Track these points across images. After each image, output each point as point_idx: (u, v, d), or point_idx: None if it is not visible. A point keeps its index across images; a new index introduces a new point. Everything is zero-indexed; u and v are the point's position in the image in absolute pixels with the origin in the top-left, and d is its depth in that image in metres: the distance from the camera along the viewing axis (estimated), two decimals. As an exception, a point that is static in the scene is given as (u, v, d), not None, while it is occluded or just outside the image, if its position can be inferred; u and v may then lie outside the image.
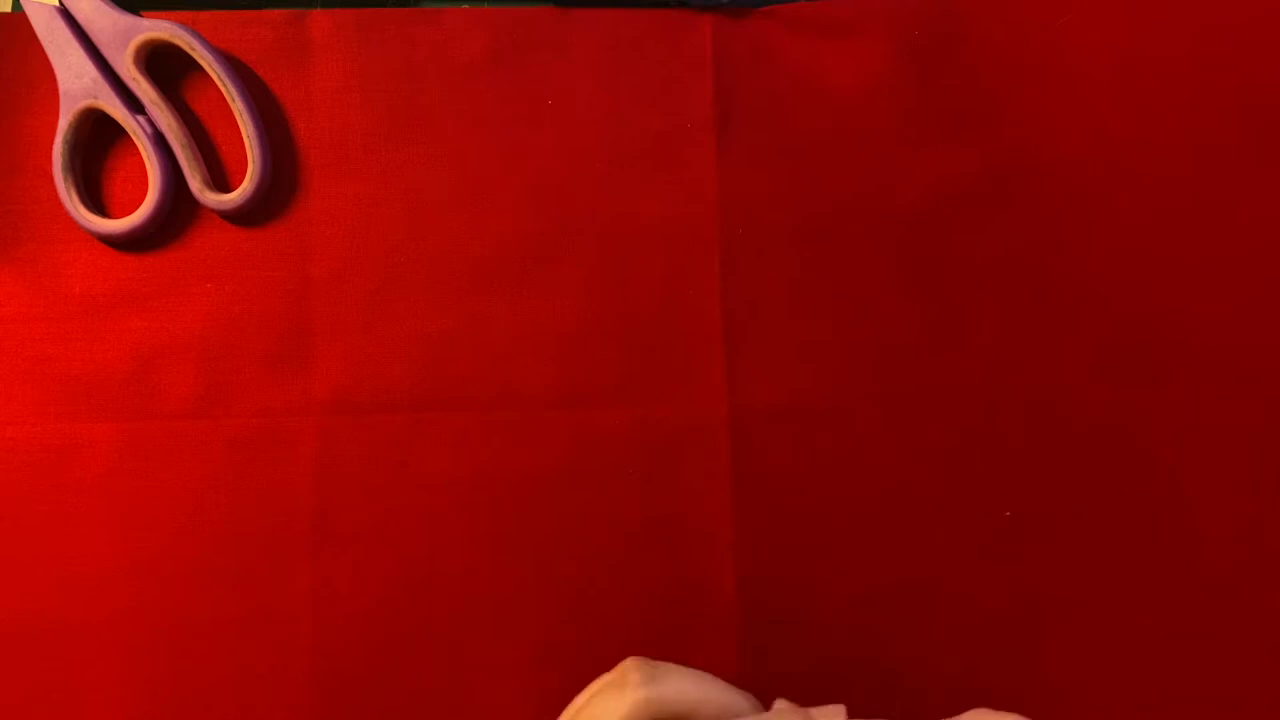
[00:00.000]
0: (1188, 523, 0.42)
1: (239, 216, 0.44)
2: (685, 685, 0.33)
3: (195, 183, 0.43)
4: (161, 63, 0.44)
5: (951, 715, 0.33)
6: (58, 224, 0.44)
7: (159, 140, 0.43)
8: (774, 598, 0.42)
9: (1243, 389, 0.43)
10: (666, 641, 0.42)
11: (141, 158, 0.43)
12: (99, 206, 0.44)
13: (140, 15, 0.43)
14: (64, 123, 0.43)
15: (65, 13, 0.43)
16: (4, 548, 0.43)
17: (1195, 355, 0.43)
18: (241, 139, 0.43)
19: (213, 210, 0.44)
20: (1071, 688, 0.42)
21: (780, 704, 0.34)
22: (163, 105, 0.43)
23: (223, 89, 0.43)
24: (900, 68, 0.44)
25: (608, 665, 0.42)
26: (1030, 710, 0.42)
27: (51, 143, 0.43)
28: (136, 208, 0.43)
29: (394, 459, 0.43)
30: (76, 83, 0.43)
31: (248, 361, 0.44)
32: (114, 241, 0.44)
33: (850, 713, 0.41)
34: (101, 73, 0.43)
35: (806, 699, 0.42)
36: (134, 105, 0.43)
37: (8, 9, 0.45)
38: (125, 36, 0.43)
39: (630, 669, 0.33)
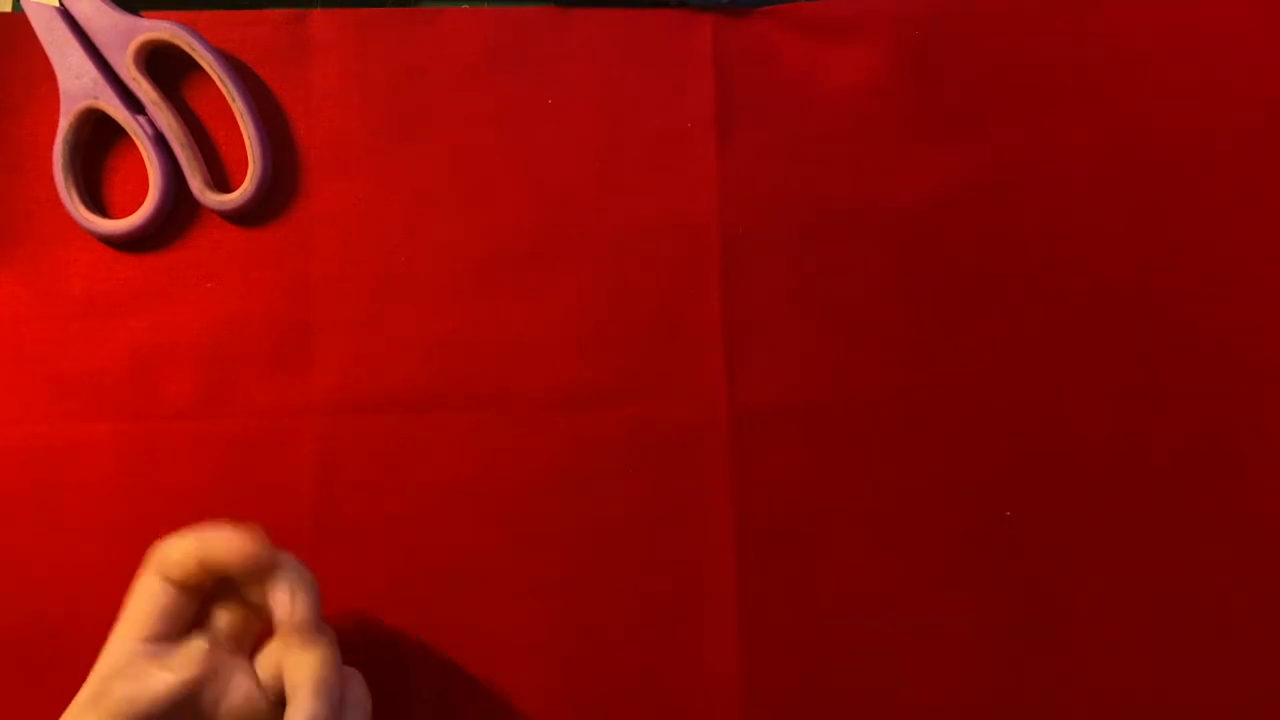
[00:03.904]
0: (1187, 522, 0.42)
1: (239, 216, 0.44)
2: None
3: (196, 183, 0.43)
4: (161, 63, 0.44)
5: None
6: (58, 224, 0.44)
7: (159, 140, 0.43)
8: (774, 598, 0.42)
9: (1240, 388, 0.43)
10: (666, 641, 0.42)
11: (141, 158, 0.43)
12: (99, 206, 0.44)
13: (140, 15, 0.43)
14: (64, 123, 0.43)
15: (65, 13, 0.43)
16: (4, 548, 0.43)
17: (1194, 354, 0.43)
18: (241, 139, 0.43)
19: (213, 210, 0.44)
20: (1071, 686, 0.42)
21: None
22: (163, 105, 0.43)
23: (223, 89, 0.43)
24: (900, 68, 0.44)
25: (608, 664, 0.42)
26: (1031, 710, 0.42)
27: (51, 143, 0.43)
28: (137, 208, 0.43)
29: (394, 459, 0.43)
30: (76, 83, 0.43)
31: (248, 361, 0.44)
32: (114, 241, 0.44)
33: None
34: (101, 73, 0.43)
35: (807, 698, 0.42)
36: (134, 105, 0.43)
37: (8, 9, 0.45)
38: (125, 36, 0.43)
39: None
